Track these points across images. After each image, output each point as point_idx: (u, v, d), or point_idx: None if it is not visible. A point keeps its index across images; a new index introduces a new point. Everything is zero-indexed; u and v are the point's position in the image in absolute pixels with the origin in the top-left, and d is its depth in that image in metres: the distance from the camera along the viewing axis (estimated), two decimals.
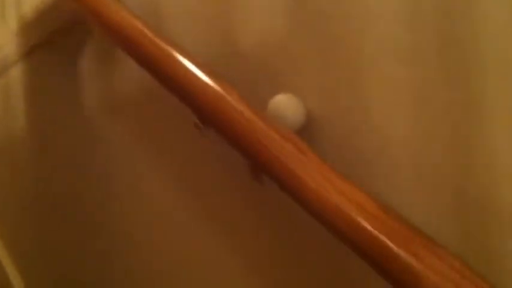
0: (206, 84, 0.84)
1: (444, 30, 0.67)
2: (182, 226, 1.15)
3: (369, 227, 0.63)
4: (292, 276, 0.91)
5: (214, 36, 1.03)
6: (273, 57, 0.91)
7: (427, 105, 0.70)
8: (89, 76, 1.45)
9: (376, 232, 0.62)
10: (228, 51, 1.00)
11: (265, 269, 0.97)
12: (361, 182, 0.69)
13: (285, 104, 0.85)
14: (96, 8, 1.10)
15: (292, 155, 0.73)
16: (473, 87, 0.65)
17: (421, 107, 0.70)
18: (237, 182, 0.99)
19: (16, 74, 1.81)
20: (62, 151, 1.62)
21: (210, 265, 1.09)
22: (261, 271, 0.98)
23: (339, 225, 0.66)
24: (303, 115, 0.84)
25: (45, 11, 1.52)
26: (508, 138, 0.62)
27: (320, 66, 0.83)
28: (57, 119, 1.63)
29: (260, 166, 0.78)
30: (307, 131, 0.83)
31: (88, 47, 1.43)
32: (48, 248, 1.75)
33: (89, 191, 1.50)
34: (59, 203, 1.66)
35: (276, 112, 0.83)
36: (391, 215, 0.64)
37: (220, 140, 0.84)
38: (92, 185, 1.48)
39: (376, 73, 0.75)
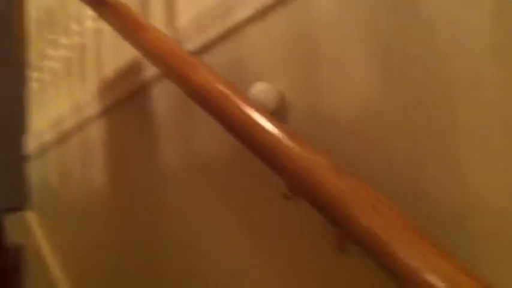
0: (295, 152, 0.80)
1: None
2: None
3: None
4: None
5: (301, 99, 0.99)
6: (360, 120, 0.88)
7: None
8: (167, 134, 1.44)
9: None
10: (317, 119, 0.96)
11: None
12: None
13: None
14: (182, 70, 1.06)
15: (384, 226, 0.68)
16: None
17: None
18: (321, 250, 0.94)
19: (95, 130, 1.90)
20: (138, 204, 1.62)
21: None
22: None
23: None
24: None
25: (124, 69, 1.61)
26: None
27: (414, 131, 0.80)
28: (133, 174, 1.65)
29: (349, 237, 0.74)
30: None
31: (167, 106, 1.44)
32: None
33: (161, 245, 1.48)
34: (132, 253, 1.66)
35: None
36: None
37: (306, 206, 0.79)
38: (165, 240, 1.46)
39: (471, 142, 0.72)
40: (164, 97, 1.43)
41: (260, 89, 1.00)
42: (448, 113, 0.74)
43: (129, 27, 1.29)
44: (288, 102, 0.99)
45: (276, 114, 0.95)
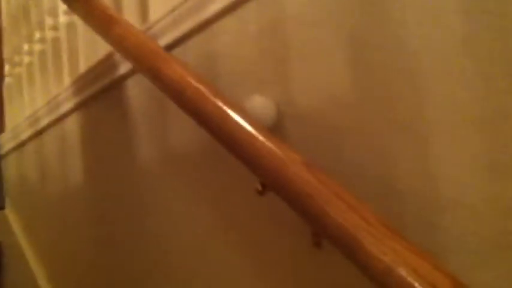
0: (266, 147, 0.79)
1: None
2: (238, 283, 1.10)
3: None
4: None
5: (269, 91, 0.99)
6: (331, 114, 0.87)
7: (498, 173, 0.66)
8: (142, 125, 1.43)
9: None
10: (288, 112, 0.95)
11: None
12: None
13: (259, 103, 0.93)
14: (154, 64, 1.04)
15: (356, 222, 0.67)
16: None
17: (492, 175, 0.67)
18: (296, 246, 0.94)
19: (70, 124, 1.88)
20: (114, 198, 1.60)
21: None
22: None
23: None
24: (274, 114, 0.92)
25: (98, 64, 1.57)
26: None
27: (379, 126, 0.79)
28: (109, 168, 1.62)
29: (322, 233, 0.74)
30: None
31: (142, 99, 1.42)
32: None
33: (137, 238, 1.47)
34: (108, 247, 1.65)
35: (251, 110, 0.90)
36: None
37: (281, 204, 0.79)
38: (141, 233, 1.45)
39: (441, 138, 0.72)
40: (139, 91, 1.40)
41: (257, 102, 0.96)
42: (418, 108, 0.73)
43: (99, 20, 1.26)
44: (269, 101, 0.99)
45: (274, 128, 0.92)
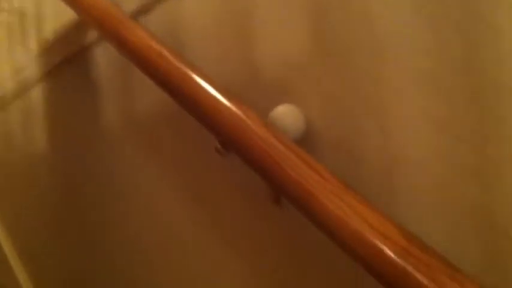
0: (226, 107, 0.80)
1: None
2: (199, 248, 1.12)
3: (392, 255, 0.61)
4: None
5: (232, 57, 1.00)
6: (292, 79, 0.88)
7: (447, 130, 0.69)
8: (109, 94, 1.41)
9: (399, 261, 0.60)
10: (246, 73, 0.96)
11: None
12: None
13: (286, 114, 0.86)
14: (114, 29, 1.04)
15: (312, 178, 0.69)
16: (496, 112, 0.65)
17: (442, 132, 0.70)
18: (256, 205, 0.95)
19: (37, 94, 1.82)
20: (81, 168, 1.58)
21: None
22: None
23: (360, 252, 0.64)
24: (303, 125, 0.85)
25: (65, 33, 1.55)
26: None
27: (338, 89, 0.82)
28: (77, 137, 1.60)
29: (279, 189, 0.75)
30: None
31: (107, 66, 1.40)
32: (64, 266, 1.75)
33: (105, 207, 1.47)
34: (76, 219, 1.64)
35: (276, 122, 0.84)
36: (414, 243, 0.62)
37: (240, 163, 0.80)
38: (108, 201, 1.45)
39: (396, 99, 0.74)
40: (107, 58, 1.39)
41: (283, 112, 0.87)
42: (377, 74, 0.75)
43: None
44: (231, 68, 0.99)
45: (302, 142, 0.84)
